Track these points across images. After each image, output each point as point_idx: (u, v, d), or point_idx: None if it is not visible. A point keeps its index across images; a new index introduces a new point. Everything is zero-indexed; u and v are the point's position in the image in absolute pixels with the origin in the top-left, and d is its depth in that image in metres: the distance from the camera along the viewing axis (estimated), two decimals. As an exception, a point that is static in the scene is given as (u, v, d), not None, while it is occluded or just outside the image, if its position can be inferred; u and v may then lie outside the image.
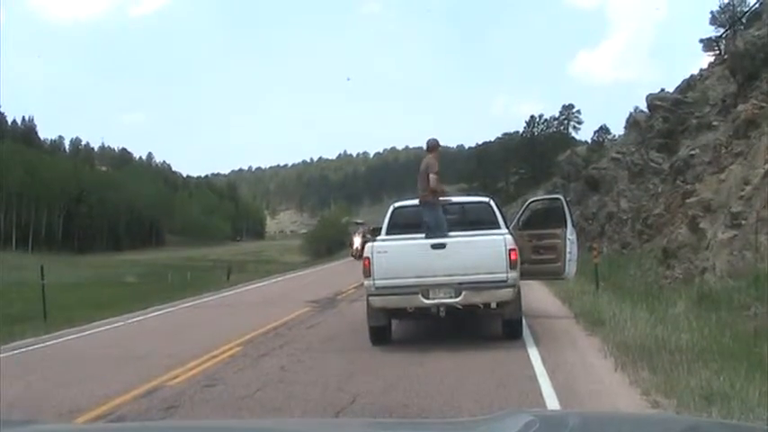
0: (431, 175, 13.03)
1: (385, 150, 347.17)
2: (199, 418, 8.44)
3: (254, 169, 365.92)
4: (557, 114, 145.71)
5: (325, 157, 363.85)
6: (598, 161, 51.59)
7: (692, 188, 22.20)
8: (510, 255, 12.15)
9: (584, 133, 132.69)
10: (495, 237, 12.59)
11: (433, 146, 13.88)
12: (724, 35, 43.07)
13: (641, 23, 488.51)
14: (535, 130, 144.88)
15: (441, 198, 13.30)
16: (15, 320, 18.92)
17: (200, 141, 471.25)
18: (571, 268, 15.22)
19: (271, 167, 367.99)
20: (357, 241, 50.46)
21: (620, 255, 30.16)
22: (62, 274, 42.15)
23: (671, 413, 7.24)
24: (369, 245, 12.82)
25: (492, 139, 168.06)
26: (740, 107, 21.63)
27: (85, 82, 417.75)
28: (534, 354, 11.33)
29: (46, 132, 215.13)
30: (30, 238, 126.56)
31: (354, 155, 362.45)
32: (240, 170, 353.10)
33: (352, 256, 50.42)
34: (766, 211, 15.86)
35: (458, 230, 12.83)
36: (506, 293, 12.21)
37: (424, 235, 12.81)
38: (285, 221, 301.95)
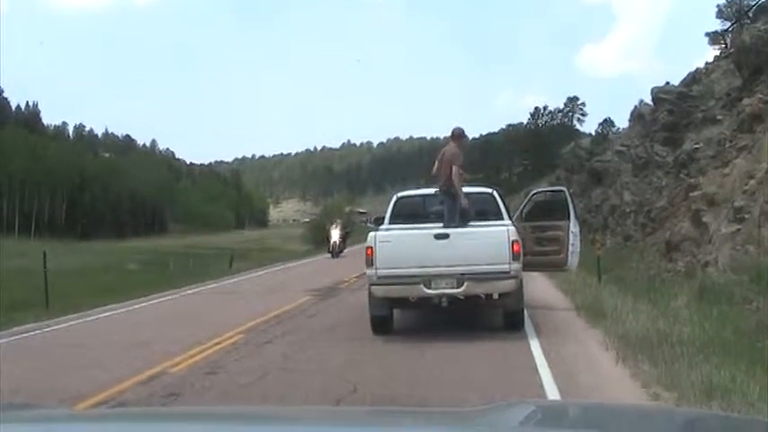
0: (454, 168, 13.03)
1: (389, 140, 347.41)
2: (200, 405, 8.46)
3: (257, 157, 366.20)
4: (561, 106, 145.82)
5: (328, 146, 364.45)
6: (602, 154, 51.54)
7: (695, 182, 22.17)
8: (513, 246, 12.16)
9: (589, 125, 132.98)
10: (498, 228, 12.60)
11: (458, 134, 13.93)
12: (730, 29, 43.02)
13: (647, 16, 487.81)
14: (540, 121, 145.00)
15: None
16: (17, 307, 18.90)
17: (203, 129, 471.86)
18: (573, 260, 15.23)
19: (274, 156, 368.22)
20: (335, 235, 44.01)
21: (622, 247, 30.17)
22: (64, 261, 42.11)
23: (671, 406, 7.24)
24: (372, 234, 12.80)
25: (496, 131, 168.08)
26: (745, 101, 21.60)
27: (90, 68, 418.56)
28: (535, 345, 11.34)
29: (50, 118, 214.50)
30: (32, 225, 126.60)
31: (358, 144, 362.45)
32: (244, 158, 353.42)
33: (329, 252, 43.42)
34: (770, 206, 15.84)
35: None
36: (508, 285, 12.22)
37: (426, 225, 12.87)
38: (288, 210, 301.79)
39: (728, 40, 40.93)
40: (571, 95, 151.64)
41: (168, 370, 10.45)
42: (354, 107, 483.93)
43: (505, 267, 12.14)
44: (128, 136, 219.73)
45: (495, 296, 12.48)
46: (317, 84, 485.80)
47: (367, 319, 13.10)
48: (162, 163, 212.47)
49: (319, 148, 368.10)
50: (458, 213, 12.91)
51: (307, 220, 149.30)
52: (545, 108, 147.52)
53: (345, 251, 43.03)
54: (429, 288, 12.20)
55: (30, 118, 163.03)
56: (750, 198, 16.98)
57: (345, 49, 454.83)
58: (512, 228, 12.65)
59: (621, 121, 74.82)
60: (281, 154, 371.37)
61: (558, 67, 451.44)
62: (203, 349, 12.03)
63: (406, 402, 8.05)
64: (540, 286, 19.57)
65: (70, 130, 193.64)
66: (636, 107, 45.91)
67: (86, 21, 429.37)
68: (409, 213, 13.65)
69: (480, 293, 12.43)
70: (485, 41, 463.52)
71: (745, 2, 45.19)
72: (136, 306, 20.13)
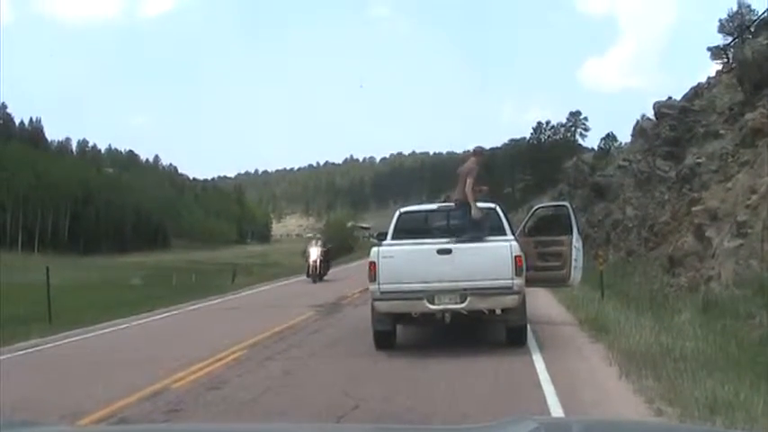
0: (468, 180, 13.17)
1: (391, 155, 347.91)
2: (202, 421, 8.44)
3: (260, 172, 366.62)
4: (564, 121, 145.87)
5: (331, 161, 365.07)
6: (604, 168, 51.61)
7: (698, 196, 22.16)
8: (516, 261, 12.15)
9: (591, 140, 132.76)
10: (501, 243, 12.59)
11: (478, 151, 14.60)
12: (732, 43, 43.04)
13: (650, 31, 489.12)
14: (542, 136, 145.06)
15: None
16: (20, 321, 18.92)
17: (207, 144, 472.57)
18: (576, 275, 15.21)
19: (277, 171, 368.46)
20: (314, 253, 35.66)
21: (625, 262, 30.12)
22: (67, 276, 42.19)
23: (675, 422, 7.22)
24: (374, 249, 12.79)
25: (499, 145, 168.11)
26: (747, 116, 21.60)
27: (93, 83, 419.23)
28: (539, 360, 11.32)
29: (53, 134, 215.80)
30: (35, 240, 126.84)
31: (361, 159, 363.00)
32: (247, 173, 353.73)
33: (308, 275, 35.53)
34: (773, 220, 15.83)
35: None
36: (512, 300, 12.20)
37: (429, 240, 12.89)
38: (291, 225, 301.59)
39: (730, 55, 40.94)
40: (573, 110, 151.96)
41: (170, 385, 10.43)
42: (357, 122, 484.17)
43: (508, 283, 12.13)
44: (131, 151, 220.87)
45: (498, 311, 12.46)
46: (321, 99, 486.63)
47: (370, 335, 13.09)
48: (165, 178, 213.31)
49: (322, 163, 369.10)
50: (479, 225, 13.02)
51: (309, 235, 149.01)
52: (547, 123, 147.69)
53: (330, 273, 37.22)
54: (432, 303, 12.19)
55: (33, 133, 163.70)
56: (753, 213, 16.96)
57: (349, 64, 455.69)
58: (514, 243, 12.64)
59: (624, 136, 75.05)
60: (284, 169, 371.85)
61: (561, 81, 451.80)
62: (206, 365, 12.00)
63: (408, 419, 8.04)
64: (542, 301, 19.54)
65: (74, 145, 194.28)
66: (638, 122, 46.02)
67: (90, 35, 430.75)
68: (412, 228, 13.65)
69: (483, 309, 12.41)
70: (488, 57, 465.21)
71: (747, 17, 45.27)
72: (138, 321, 20.11)
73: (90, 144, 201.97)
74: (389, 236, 13.62)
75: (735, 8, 48.21)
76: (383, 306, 12.47)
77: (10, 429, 2.93)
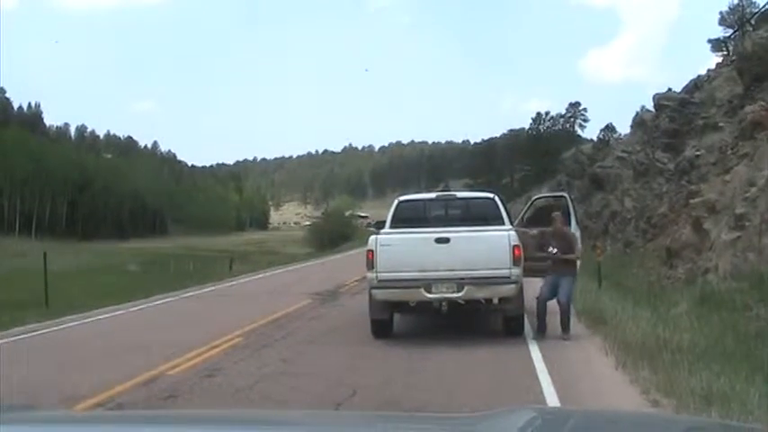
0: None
1: (390, 144, 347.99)
2: (198, 407, 8.44)
3: (259, 160, 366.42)
4: (563, 112, 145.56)
5: (330, 149, 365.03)
6: (603, 159, 51.54)
7: (696, 189, 22.17)
8: (514, 251, 12.15)
9: (591, 131, 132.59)
10: (499, 233, 12.57)
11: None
12: (732, 36, 43.06)
13: (651, 23, 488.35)
14: (541, 127, 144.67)
15: None
16: (17, 307, 18.90)
17: (205, 131, 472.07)
18: (574, 266, 15.20)
19: (276, 159, 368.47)
20: None
21: (623, 254, 30.16)
22: (65, 262, 42.18)
23: (670, 413, 7.24)
24: (373, 237, 12.79)
25: (498, 136, 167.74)
26: (747, 108, 21.58)
27: (93, 69, 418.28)
28: (535, 350, 11.35)
29: (52, 119, 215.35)
30: (33, 225, 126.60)
31: (360, 148, 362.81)
32: (245, 161, 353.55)
33: None
34: (771, 213, 15.82)
35: (462, 226, 12.83)
36: (509, 290, 12.21)
37: (428, 229, 12.85)
38: (289, 213, 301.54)
39: (731, 47, 40.94)
40: (573, 101, 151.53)
41: (167, 372, 10.44)
42: (357, 111, 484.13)
43: (506, 272, 12.13)
44: (130, 137, 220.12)
45: (496, 301, 12.48)
46: (320, 87, 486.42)
47: (367, 323, 13.09)
48: (163, 164, 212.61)
49: (321, 151, 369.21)
50: None
51: (308, 223, 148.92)
52: (547, 114, 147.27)
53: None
54: (429, 292, 12.20)
55: (32, 119, 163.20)
56: (751, 205, 16.95)
57: (349, 53, 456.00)
58: (513, 233, 12.62)
59: (623, 128, 74.90)
60: (283, 157, 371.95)
61: (561, 72, 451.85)
62: (202, 352, 12.01)
63: (405, 407, 8.05)
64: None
65: (72, 130, 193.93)
66: (638, 113, 45.98)
67: (91, 21, 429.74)
68: (410, 217, 13.62)
69: (480, 298, 12.43)
70: (489, 47, 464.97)
71: (748, 9, 45.25)
72: (135, 308, 20.10)
73: (88, 130, 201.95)
74: (388, 224, 13.60)
75: (735, 1, 48.25)
76: (381, 294, 12.48)
77: (10, 413, 2.93)
